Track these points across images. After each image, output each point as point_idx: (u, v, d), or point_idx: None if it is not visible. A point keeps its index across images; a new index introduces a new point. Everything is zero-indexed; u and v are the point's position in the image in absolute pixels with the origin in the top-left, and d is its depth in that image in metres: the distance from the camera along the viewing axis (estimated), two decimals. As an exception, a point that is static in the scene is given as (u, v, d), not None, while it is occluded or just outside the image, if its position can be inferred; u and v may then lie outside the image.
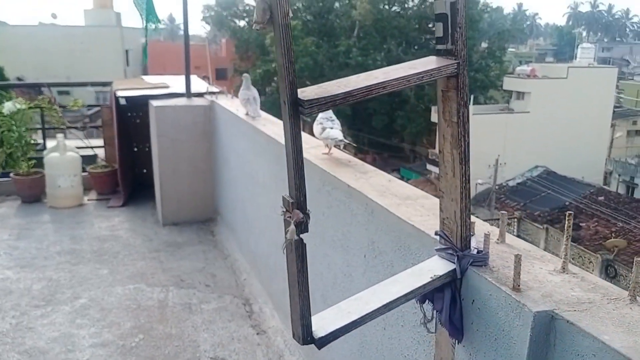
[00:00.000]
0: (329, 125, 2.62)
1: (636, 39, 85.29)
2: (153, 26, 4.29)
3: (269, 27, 1.10)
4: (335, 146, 2.53)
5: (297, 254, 1.20)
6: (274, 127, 3.16)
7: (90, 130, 6.42)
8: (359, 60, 33.97)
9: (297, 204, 1.15)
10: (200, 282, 3.57)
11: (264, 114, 3.61)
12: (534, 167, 28.14)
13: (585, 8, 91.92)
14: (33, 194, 5.15)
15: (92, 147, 5.60)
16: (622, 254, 18.22)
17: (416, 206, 1.71)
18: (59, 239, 4.27)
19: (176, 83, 5.27)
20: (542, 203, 24.99)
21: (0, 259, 3.90)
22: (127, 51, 37.40)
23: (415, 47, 37.85)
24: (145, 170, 5.63)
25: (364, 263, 1.90)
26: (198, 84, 5.08)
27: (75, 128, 5.65)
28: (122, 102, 4.89)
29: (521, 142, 28.50)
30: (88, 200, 5.25)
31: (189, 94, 4.66)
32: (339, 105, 1.17)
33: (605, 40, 79.66)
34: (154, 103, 4.46)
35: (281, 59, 1.09)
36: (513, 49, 47.87)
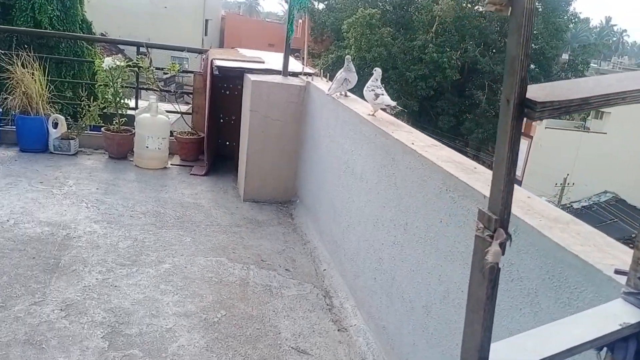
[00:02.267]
0: (380, 92, 3.13)
1: None
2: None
3: (505, 9, 0.95)
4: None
5: (490, 278, 1.06)
6: (381, 118, 3.04)
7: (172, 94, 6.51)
8: (434, 56, 33.20)
9: (501, 221, 1.01)
10: (281, 266, 3.53)
11: (354, 96, 3.51)
12: (602, 192, 26.81)
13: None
14: (121, 151, 5.27)
15: (181, 113, 5.66)
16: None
17: (570, 232, 1.55)
18: (144, 199, 4.34)
19: (271, 59, 5.23)
20: (608, 231, 23.57)
21: (89, 211, 4.00)
22: (206, 21, 38.10)
23: (494, 51, 36.61)
24: (227, 143, 5.65)
25: (491, 282, 1.77)
26: (293, 64, 5.01)
27: (168, 92, 5.71)
28: (216, 72, 4.88)
29: (593, 164, 27.18)
30: (172, 164, 5.32)
31: (285, 72, 4.60)
32: (572, 112, 1.02)
33: (700, 65, 74.27)
34: (251, 77, 4.42)
35: (516, 49, 0.94)
36: (595, 65, 45.52)
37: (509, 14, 0.94)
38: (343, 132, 3.41)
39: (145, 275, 3.19)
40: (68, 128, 5.30)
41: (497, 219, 1.01)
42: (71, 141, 5.19)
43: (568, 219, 1.69)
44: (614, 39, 73.09)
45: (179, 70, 5.46)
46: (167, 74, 5.46)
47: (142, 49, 5.72)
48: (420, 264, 2.26)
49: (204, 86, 5.28)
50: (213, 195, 4.63)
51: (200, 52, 5.80)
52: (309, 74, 4.70)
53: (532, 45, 35.81)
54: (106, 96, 5.14)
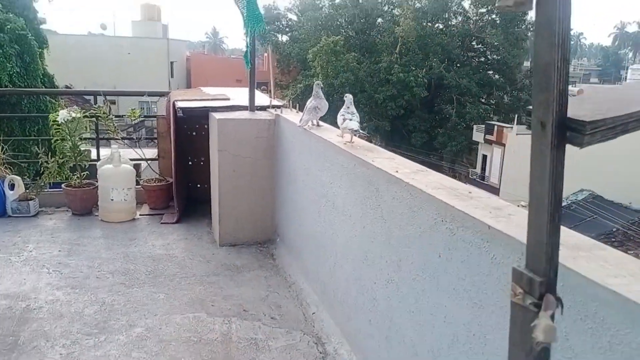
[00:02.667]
0: (348, 117, 3.01)
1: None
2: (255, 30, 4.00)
3: (528, 3, 0.72)
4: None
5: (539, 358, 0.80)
6: (358, 146, 2.81)
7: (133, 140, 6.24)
8: (400, 76, 33.60)
9: (548, 284, 0.76)
10: (265, 314, 3.23)
11: (327, 125, 3.28)
12: (579, 190, 27.09)
13: (632, 28, 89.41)
14: (85, 206, 4.95)
15: (146, 160, 5.38)
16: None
17: (597, 260, 1.32)
18: (112, 256, 4.01)
19: (237, 95, 5.01)
20: (588, 228, 23.91)
21: (51, 277, 3.66)
22: (172, 63, 38.02)
23: (458, 65, 37.25)
24: (199, 185, 5.37)
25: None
26: (260, 97, 4.80)
27: (131, 139, 5.43)
28: (180, 113, 4.64)
29: (567, 165, 27.46)
30: (140, 215, 5.00)
31: (252, 106, 4.38)
32: (630, 130, 0.78)
33: (654, 62, 76.89)
34: (216, 115, 4.18)
35: (549, 53, 0.71)
36: (557, 69, 46.49)
37: (532, 8, 0.72)
38: (319, 164, 3.18)
39: (115, 343, 2.86)
40: (26, 188, 4.97)
41: (542, 282, 0.75)
42: (30, 202, 4.84)
43: (590, 243, 1.46)
44: (572, 42, 75.33)
45: (139, 115, 5.19)
46: (133, 120, 5.18)
47: (108, 97, 5.46)
48: (421, 304, 2.01)
49: (169, 129, 5.02)
50: (186, 243, 4.33)
51: (161, 94, 5.55)
52: (278, 107, 4.49)
53: (495, 56, 36.63)
54: (64, 151, 4.83)
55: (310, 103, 3.50)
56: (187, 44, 50.61)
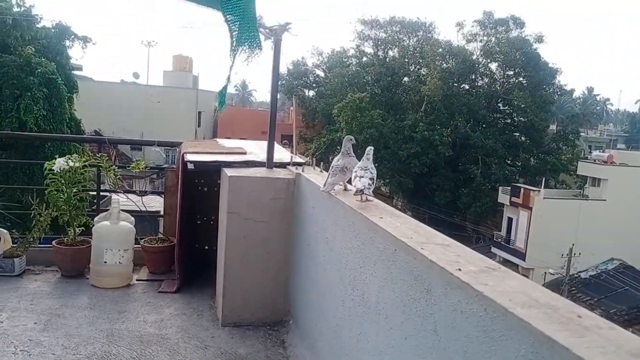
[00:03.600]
0: (359, 175, 2.66)
1: None
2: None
3: None
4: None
5: None
6: (398, 224, 2.19)
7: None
8: (425, 134, 33.29)
9: None
10: None
11: (377, 200, 2.66)
12: (609, 259, 25.80)
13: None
14: (76, 267, 4.36)
15: (147, 214, 4.82)
16: None
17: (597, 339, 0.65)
18: (94, 334, 3.37)
19: (254, 148, 4.48)
20: (619, 300, 22.60)
21: (17, 358, 3.03)
22: (199, 113, 38.53)
23: (484, 125, 36.91)
24: (207, 247, 4.77)
25: None
26: (280, 153, 4.25)
27: (134, 193, 4.91)
28: (190, 166, 4.11)
29: (595, 232, 26.49)
30: (137, 280, 4.39)
31: (270, 163, 3.82)
32: None
33: (682, 130, 75.75)
34: (228, 172, 3.63)
35: None
36: (583, 134, 46.11)
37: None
38: (345, 241, 2.55)
39: None
40: (14, 243, 4.43)
41: None
42: (15, 259, 4.28)
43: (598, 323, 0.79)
44: (598, 108, 74.92)
45: (146, 166, 4.67)
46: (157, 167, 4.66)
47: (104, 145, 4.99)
48: None
49: (177, 184, 4.48)
50: (184, 320, 3.67)
51: (172, 145, 5.05)
52: (299, 164, 3.92)
53: (522, 118, 36.24)
54: (58, 203, 4.31)
55: (337, 162, 2.91)
56: (215, 95, 51.29)
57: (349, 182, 2.83)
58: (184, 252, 4.35)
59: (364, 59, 40.77)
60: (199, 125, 38.95)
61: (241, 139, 6.68)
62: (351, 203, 2.57)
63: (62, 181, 4.23)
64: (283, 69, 43.07)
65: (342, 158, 2.90)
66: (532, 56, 36.20)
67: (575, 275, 24.39)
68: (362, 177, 2.64)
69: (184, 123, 36.07)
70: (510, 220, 30.36)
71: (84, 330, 3.43)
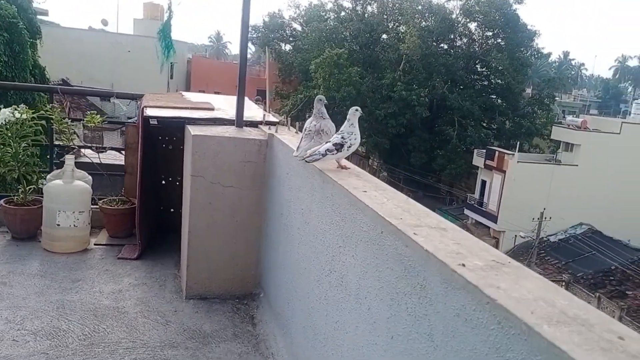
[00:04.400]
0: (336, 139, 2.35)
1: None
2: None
3: None
4: None
5: None
6: (385, 200, 1.89)
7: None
8: (402, 94, 32.87)
9: None
10: (233, 420, 2.29)
11: (356, 169, 2.35)
12: (578, 224, 26.35)
13: (633, 63, 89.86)
14: (26, 229, 3.99)
15: (105, 173, 4.43)
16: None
17: None
18: (42, 306, 3.05)
19: (223, 104, 4.10)
20: (586, 264, 23.19)
21: (-50, 334, 2.70)
22: (172, 64, 37.34)
23: (461, 87, 36.61)
24: (172, 210, 4.44)
25: None
26: (252, 110, 3.89)
27: (90, 148, 4.49)
28: (153, 122, 3.74)
29: (566, 196, 26.92)
30: (95, 244, 4.05)
31: (240, 121, 3.46)
32: None
33: (653, 97, 76.94)
34: (192, 130, 3.26)
35: None
36: (557, 98, 46.39)
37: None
38: (323, 215, 2.26)
39: None
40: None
41: None
42: (-41, 220, 3.89)
43: None
44: (573, 72, 75.31)
45: (102, 120, 4.23)
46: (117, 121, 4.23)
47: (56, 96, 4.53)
48: None
49: (138, 140, 4.09)
50: (144, 292, 3.37)
51: (133, 98, 4.61)
52: (273, 123, 3.58)
53: (499, 81, 36.06)
54: (5, 159, 3.89)
55: (310, 124, 2.58)
56: (189, 46, 49.82)
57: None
58: (147, 214, 4.01)
59: (342, 13, 39.65)
60: (171, 77, 37.71)
61: (215, 92, 6.26)
62: (330, 172, 2.26)
63: (9, 134, 3.80)
64: (258, 21, 41.68)
65: (314, 120, 2.57)
66: (511, 17, 35.70)
67: (545, 238, 24.88)
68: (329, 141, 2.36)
69: (155, 74, 34.86)
70: (484, 183, 30.58)
71: (31, 301, 3.10)
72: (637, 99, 47.36)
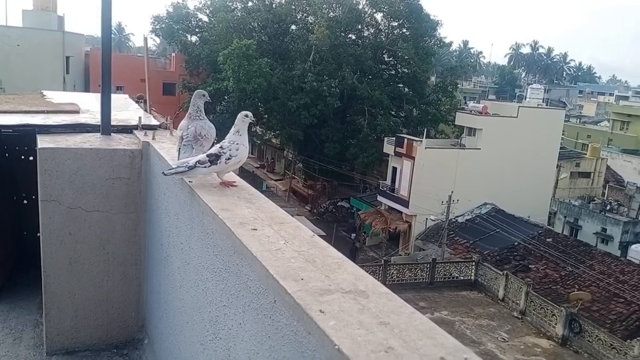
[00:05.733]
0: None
1: (572, 82, 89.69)
2: None
3: None
4: None
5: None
6: (282, 243, 1.35)
7: None
8: (313, 85, 32.63)
9: None
10: None
11: (241, 181, 1.81)
12: (482, 203, 27.54)
13: (526, 50, 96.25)
14: None
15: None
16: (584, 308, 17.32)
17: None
18: None
19: (95, 105, 3.37)
20: (491, 242, 24.24)
21: None
22: (67, 58, 34.81)
23: (370, 77, 36.98)
24: (39, 234, 3.64)
25: None
26: (129, 112, 3.20)
27: None
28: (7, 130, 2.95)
29: (471, 178, 28.11)
30: None
31: (106, 127, 2.77)
32: None
33: (544, 82, 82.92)
34: (40, 142, 2.54)
35: None
36: (459, 85, 48.51)
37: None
38: (203, 256, 1.68)
39: None
40: None
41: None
42: None
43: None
44: (472, 60, 79.14)
45: None
46: None
47: None
48: None
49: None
50: (-11, 351, 2.62)
51: None
52: (151, 127, 2.91)
53: (405, 70, 36.94)
54: None
55: (185, 129, 2.00)
56: (87, 39, 46.52)
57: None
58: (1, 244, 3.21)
59: (250, 3, 38.65)
60: (67, 72, 34.97)
61: (117, 87, 5.42)
62: (209, 196, 1.69)
63: None
64: (162, 11, 39.73)
65: (189, 120, 1.99)
66: (415, 8, 36.55)
67: (453, 220, 25.73)
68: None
69: (50, 69, 32.16)
70: (394, 169, 31.11)
71: None
72: (531, 84, 50.45)
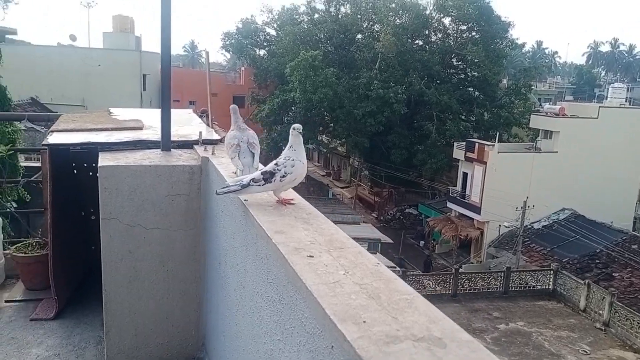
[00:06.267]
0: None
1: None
2: None
3: None
4: None
5: None
6: (342, 274, 1.18)
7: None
8: (379, 92, 32.37)
9: None
10: None
11: (299, 198, 1.66)
12: (561, 209, 26.06)
13: (605, 48, 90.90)
14: None
15: (27, 212, 3.66)
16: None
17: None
18: None
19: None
20: (571, 249, 22.84)
21: None
22: (144, 76, 36.62)
23: (438, 81, 36.23)
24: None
25: None
26: (191, 127, 3.16)
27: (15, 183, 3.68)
28: (75, 148, 2.98)
29: (548, 183, 26.75)
30: (6, 301, 3.28)
31: (166, 143, 2.72)
32: None
33: (626, 80, 77.89)
34: (102, 159, 2.52)
35: None
36: (533, 87, 46.45)
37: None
38: (258, 283, 1.54)
39: None
40: None
41: None
42: None
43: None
44: (546, 61, 75.72)
45: (9, 150, 3.45)
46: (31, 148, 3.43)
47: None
48: None
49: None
50: (53, 369, 2.62)
51: (48, 119, 3.80)
52: (212, 142, 2.84)
53: (475, 73, 35.86)
54: None
55: (237, 135, 2.09)
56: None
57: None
58: (68, 260, 3.25)
59: (316, 15, 39.06)
60: (144, 89, 36.78)
61: (190, 102, 5.53)
62: (263, 216, 1.55)
63: None
64: (232, 28, 41.02)
65: (239, 131, 2.07)
66: (485, 10, 35.49)
67: (529, 226, 24.57)
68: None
69: (128, 87, 33.97)
70: (465, 175, 30.17)
71: None
72: (612, 83, 47.38)
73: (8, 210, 3.45)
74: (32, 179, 4.22)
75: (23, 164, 12.98)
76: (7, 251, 3.42)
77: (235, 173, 2.07)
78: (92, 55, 35.34)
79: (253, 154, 2.04)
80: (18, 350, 2.74)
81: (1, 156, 3.23)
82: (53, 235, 3.02)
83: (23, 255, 3.38)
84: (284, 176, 1.67)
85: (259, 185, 1.67)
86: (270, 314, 1.40)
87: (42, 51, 33.66)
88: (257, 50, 42.28)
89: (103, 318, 2.97)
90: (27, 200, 10.02)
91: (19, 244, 3.48)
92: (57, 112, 4.17)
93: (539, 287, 19.98)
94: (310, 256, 1.26)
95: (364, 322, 0.94)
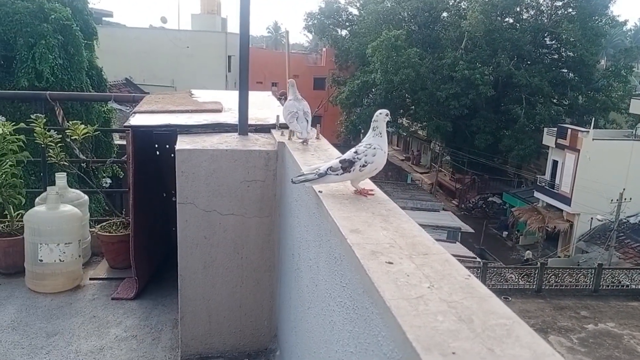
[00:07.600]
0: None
1: None
2: None
3: None
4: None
5: None
6: (426, 286, 1.02)
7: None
8: (465, 73, 31.10)
9: None
10: None
11: (378, 190, 1.51)
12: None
13: None
14: (12, 263, 3.39)
15: (100, 190, 3.76)
16: None
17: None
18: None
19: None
20: (670, 249, 21.02)
21: None
22: (229, 57, 37.58)
23: (528, 62, 34.23)
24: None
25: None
26: (270, 110, 3.08)
27: (85, 162, 3.81)
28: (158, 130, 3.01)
29: (641, 179, 24.53)
30: (91, 279, 3.40)
31: (243, 128, 2.66)
32: None
33: None
34: (180, 142, 2.50)
35: None
36: (634, 69, 42.64)
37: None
38: (331, 285, 1.41)
39: None
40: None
41: None
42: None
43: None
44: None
45: (89, 131, 3.52)
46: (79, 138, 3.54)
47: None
48: None
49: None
50: (131, 349, 2.65)
51: (133, 100, 3.88)
52: (288, 126, 2.74)
53: (570, 53, 33.44)
54: (-17, 180, 3.29)
55: (296, 104, 2.47)
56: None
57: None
58: (148, 241, 3.31)
59: (400, -7, 38.14)
60: (229, 70, 37.79)
61: (273, 84, 5.56)
62: (338, 211, 1.41)
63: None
64: (314, 8, 41.00)
65: (296, 101, 2.44)
66: (583, -17, 32.96)
67: (624, 220, 22.86)
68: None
69: (214, 68, 35.05)
70: (555, 163, 28.43)
71: (-12, 369, 2.47)
72: None
73: (96, 189, 3.56)
74: (119, 159, 4.35)
75: (117, 142, 13.67)
76: (93, 229, 3.54)
77: (300, 139, 2.45)
78: (181, 37, 36.76)
79: (307, 120, 2.44)
80: (98, 330, 2.82)
81: (95, 134, 3.34)
82: (135, 216, 3.08)
83: (106, 235, 3.48)
84: (364, 165, 1.54)
85: (337, 174, 1.55)
86: (344, 321, 1.27)
87: (135, 33, 35.44)
88: (339, 31, 42.04)
89: (178, 302, 3.00)
90: (120, 176, 10.58)
91: (104, 223, 3.59)
92: (148, 93, 4.27)
93: (634, 286, 18.55)
94: (390, 262, 1.11)
95: (453, 353, 0.78)
